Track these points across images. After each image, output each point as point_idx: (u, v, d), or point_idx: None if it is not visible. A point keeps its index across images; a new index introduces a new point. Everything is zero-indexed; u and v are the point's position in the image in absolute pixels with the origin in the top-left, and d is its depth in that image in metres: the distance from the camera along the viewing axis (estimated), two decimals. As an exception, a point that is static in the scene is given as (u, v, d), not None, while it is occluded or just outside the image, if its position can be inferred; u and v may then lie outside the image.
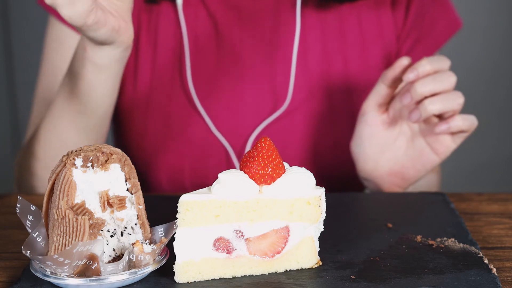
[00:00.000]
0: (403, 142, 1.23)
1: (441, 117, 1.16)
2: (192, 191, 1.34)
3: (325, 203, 0.90)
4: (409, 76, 1.13)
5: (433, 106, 1.12)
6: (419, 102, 1.14)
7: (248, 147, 1.33)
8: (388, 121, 1.22)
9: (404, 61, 1.18)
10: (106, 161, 0.87)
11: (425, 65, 1.13)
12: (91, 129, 1.22)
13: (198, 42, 1.35)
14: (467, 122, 1.14)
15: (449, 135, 1.18)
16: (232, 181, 0.87)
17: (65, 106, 1.20)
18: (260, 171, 0.87)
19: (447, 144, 1.19)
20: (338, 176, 1.37)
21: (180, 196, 0.86)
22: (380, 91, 1.20)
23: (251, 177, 0.87)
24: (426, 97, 1.13)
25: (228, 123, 1.34)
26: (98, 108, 1.19)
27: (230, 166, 1.34)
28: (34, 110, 1.41)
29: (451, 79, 1.13)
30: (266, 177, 0.87)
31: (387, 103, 1.22)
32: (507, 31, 2.75)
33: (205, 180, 1.34)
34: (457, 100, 1.13)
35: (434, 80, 1.12)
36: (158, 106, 1.35)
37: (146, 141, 1.36)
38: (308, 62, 1.34)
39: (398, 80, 1.19)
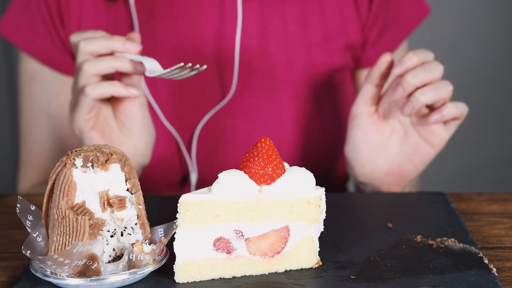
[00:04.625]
0: (397, 140, 1.23)
1: (432, 108, 1.17)
2: (161, 184, 1.35)
3: (325, 203, 0.90)
4: (398, 70, 1.15)
5: (424, 97, 1.13)
6: (410, 95, 1.15)
7: (195, 138, 1.34)
8: (379, 121, 1.22)
9: (387, 57, 1.19)
10: (106, 161, 0.87)
11: (412, 57, 1.14)
12: None
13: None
14: (459, 109, 1.16)
15: (442, 124, 1.19)
16: (232, 181, 0.87)
17: None
18: (260, 171, 0.87)
19: (441, 135, 1.19)
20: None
21: (180, 196, 0.86)
22: (367, 92, 1.21)
23: (251, 177, 0.87)
24: (416, 89, 1.14)
25: (177, 113, 1.35)
26: None
27: (181, 157, 1.35)
28: (22, 148, 1.44)
29: (439, 68, 1.14)
30: (266, 177, 0.87)
31: (376, 104, 1.23)
32: (507, 31, 2.75)
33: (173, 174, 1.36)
34: (447, 88, 1.14)
35: (423, 70, 1.14)
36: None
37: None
38: (268, 51, 1.34)
39: (383, 77, 1.20)
